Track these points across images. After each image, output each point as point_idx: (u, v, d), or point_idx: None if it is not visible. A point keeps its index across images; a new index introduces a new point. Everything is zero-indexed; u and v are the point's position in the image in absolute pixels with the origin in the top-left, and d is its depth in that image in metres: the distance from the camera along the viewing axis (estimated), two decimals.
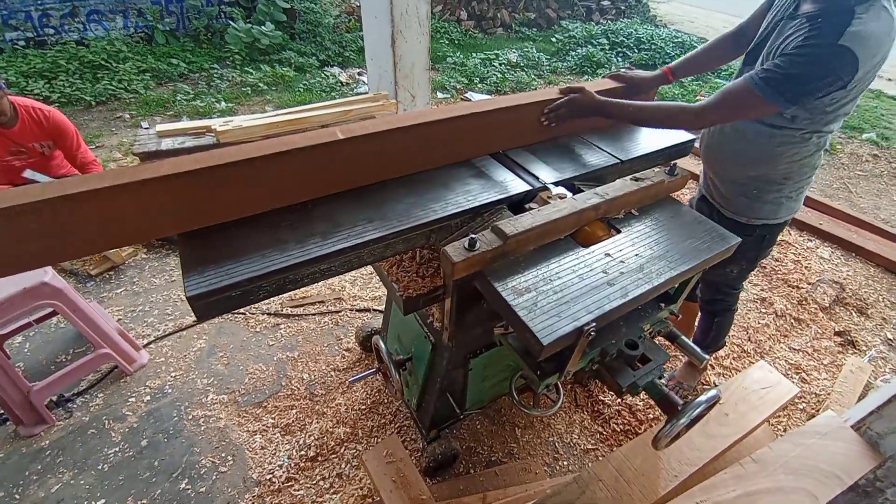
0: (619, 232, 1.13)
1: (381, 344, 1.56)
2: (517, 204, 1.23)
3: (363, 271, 2.56)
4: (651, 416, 1.87)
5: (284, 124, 2.87)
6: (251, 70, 5.21)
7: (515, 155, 1.41)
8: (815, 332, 2.37)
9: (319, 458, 1.69)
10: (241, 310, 2.27)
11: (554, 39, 6.85)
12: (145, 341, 2.10)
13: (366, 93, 5.02)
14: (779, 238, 1.72)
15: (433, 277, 1.28)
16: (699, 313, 1.85)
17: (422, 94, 3.31)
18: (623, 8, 8.21)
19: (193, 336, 2.15)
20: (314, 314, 2.28)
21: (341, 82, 5.34)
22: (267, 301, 2.33)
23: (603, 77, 1.61)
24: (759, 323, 2.39)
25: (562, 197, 1.20)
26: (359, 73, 5.66)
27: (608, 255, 1.05)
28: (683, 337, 1.18)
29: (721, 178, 1.48)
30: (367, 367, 2.02)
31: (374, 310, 2.32)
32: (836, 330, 2.38)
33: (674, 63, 1.58)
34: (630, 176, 1.20)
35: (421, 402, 1.67)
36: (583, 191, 1.22)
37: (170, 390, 1.91)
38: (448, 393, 1.55)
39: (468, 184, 1.25)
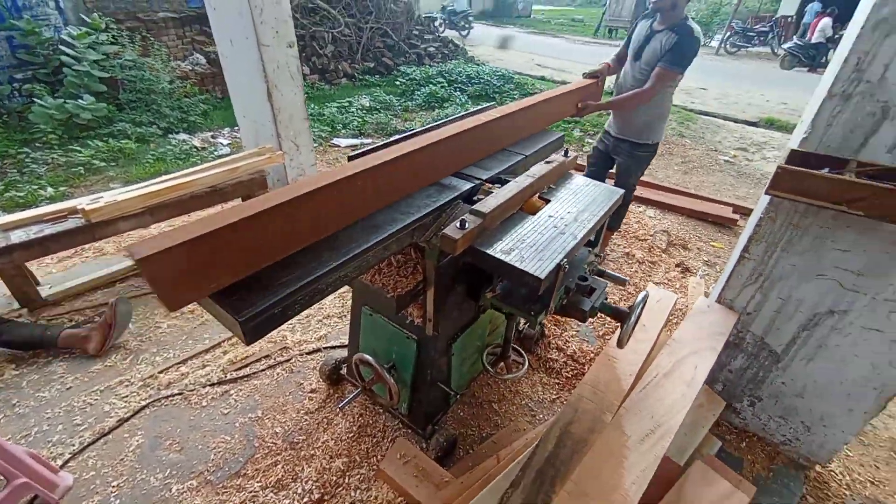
0: (549, 201, 1.50)
1: (367, 357, 1.65)
2: (467, 198, 1.52)
3: (299, 317, 2.53)
4: (588, 358, 2.30)
5: (168, 191, 2.69)
6: (78, 148, 4.57)
7: None
8: (665, 269, 3.16)
9: (326, 497, 1.66)
10: (176, 390, 2.05)
11: (397, 83, 7.56)
12: (61, 461, 1.75)
13: (229, 154, 4.86)
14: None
15: (413, 276, 1.48)
16: None
17: (304, 142, 3.42)
18: (447, 52, 9.48)
19: (124, 436, 1.87)
20: (264, 369, 2.18)
21: (196, 147, 5.04)
22: (203, 373, 2.15)
23: (583, 76, 2.51)
24: (631, 270, 3.09)
25: (495, 187, 1.53)
26: (212, 136, 5.42)
27: (551, 216, 1.40)
28: (608, 270, 1.60)
29: (633, 122, 2.60)
30: (338, 400, 2.04)
31: (325, 348, 2.33)
32: (675, 263, 3.22)
33: (607, 60, 2.69)
34: (542, 161, 1.59)
35: (412, 404, 1.79)
36: (507, 181, 1.57)
37: (117, 502, 1.64)
38: (438, 382, 1.72)
39: (426, 191, 1.49)
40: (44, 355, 2.22)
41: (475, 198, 1.51)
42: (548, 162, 1.58)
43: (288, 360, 2.25)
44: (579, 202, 1.50)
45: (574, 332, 2.49)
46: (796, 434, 1.83)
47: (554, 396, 2.11)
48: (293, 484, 1.70)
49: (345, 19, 7.98)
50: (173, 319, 2.50)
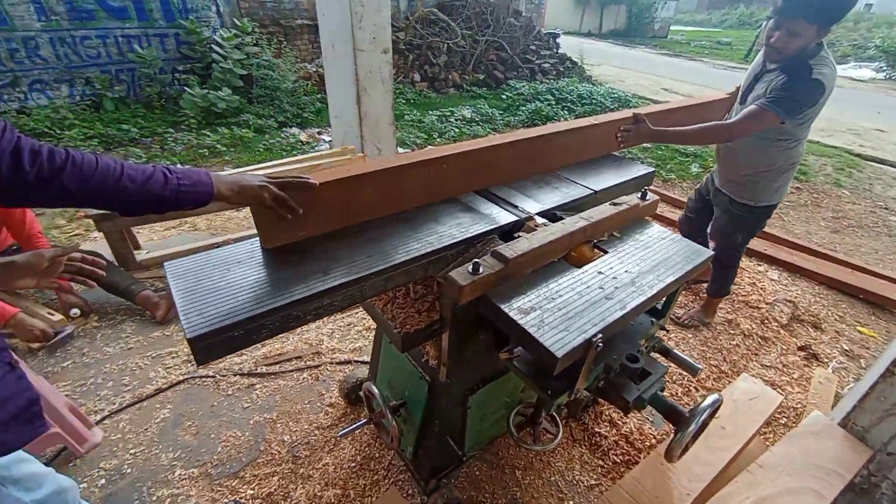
0: (605, 252, 1.22)
1: (374, 388, 1.51)
2: (506, 234, 1.30)
3: (341, 323, 2.50)
4: (648, 443, 1.89)
5: None
6: (208, 133, 5.24)
7: (497, 190, 1.51)
8: (780, 349, 2.53)
9: None
10: (211, 372, 2.14)
11: (504, 97, 7.46)
12: (98, 417, 1.90)
13: (327, 150, 5.18)
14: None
15: (429, 312, 1.30)
16: (711, 267, 2.44)
17: (387, 147, 3.46)
18: (562, 70, 9.14)
19: (156, 406, 1.98)
20: (291, 371, 2.18)
21: (301, 141, 5.47)
22: (238, 361, 2.21)
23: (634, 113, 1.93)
24: (730, 344, 2.53)
25: (546, 225, 1.29)
26: (318, 133, 5.84)
27: (601, 272, 1.13)
28: (676, 351, 1.25)
29: (734, 175, 2.14)
30: (353, 420, 1.93)
31: (356, 361, 2.25)
32: (799, 345, 2.57)
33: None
34: (609, 202, 1.31)
35: (418, 450, 1.61)
36: (563, 219, 1.32)
37: (129, 470, 1.72)
38: (448, 436, 1.51)
39: (458, 217, 1.31)
40: (123, 311, 2.48)
41: (517, 234, 1.29)
42: (615, 203, 1.29)
43: (317, 367, 2.21)
44: (646, 260, 1.19)
45: None
46: None
47: (593, 482, 1.75)
48: (282, 503, 1.63)
49: (462, 31, 8.12)
50: None
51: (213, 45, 5.90)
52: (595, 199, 1.54)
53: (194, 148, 5.00)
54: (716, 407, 1.05)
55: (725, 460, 1.30)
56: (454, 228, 1.24)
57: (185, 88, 5.69)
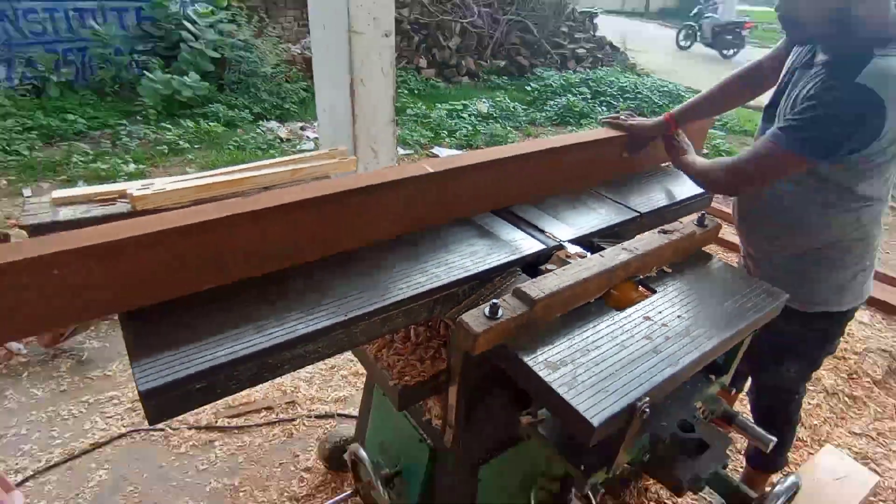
0: (654, 292, 1.22)
1: (362, 453, 1.51)
2: (531, 266, 1.31)
3: (322, 366, 2.51)
4: None
5: (220, 186, 2.93)
6: (169, 126, 5.37)
7: (520, 210, 1.52)
8: (874, 412, 2.49)
9: None
10: (160, 425, 2.14)
11: (528, 88, 7.58)
12: (20, 477, 1.91)
13: (313, 149, 5.27)
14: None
15: (433, 361, 1.31)
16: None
17: (385, 149, 3.51)
18: (600, 56, 9.29)
19: (91, 465, 1.98)
20: (260, 425, 2.18)
21: (280, 138, 5.58)
22: (195, 411, 2.21)
23: (601, 121, 1.79)
24: (809, 404, 2.49)
25: (581, 256, 1.30)
26: (301, 128, 5.96)
27: (648, 318, 1.13)
28: (742, 416, 1.23)
29: (764, 253, 1.56)
30: (335, 491, 1.92)
31: (340, 415, 2.25)
32: None
33: (677, 108, 1.69)
34: (657, 229, 1.32)
35: None
36: (602, 248, 1.33)
37: None
38: None
39: (472, 244, 1.33)
40: (57, 342, 2.51)
41: (544, 267, 1.30)
42: (665, 231, 1.30)
43: (292, 420, 2.22)
44: (703, 302, 1.19)
45: None
46: None
47: None
48: None
49: (480, 8, 8.31)
50: None
51: (185, 22, 6.07)
52: (640, 223, 1.55)
53: (151, 145, 5.12)
54: (793, 492, 1.03)
55: None
56: (467, 258, 1.26)
57: (145, 72, 5.85)
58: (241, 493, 1.91)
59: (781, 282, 1.37)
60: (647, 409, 0.93)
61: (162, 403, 0.88)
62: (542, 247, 1.34)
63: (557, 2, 9.26)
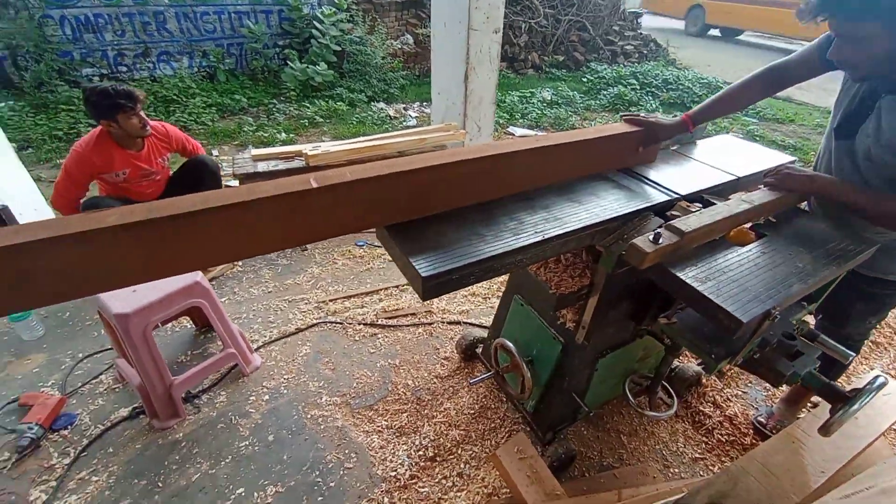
0: (765, 236, 1.26)
1: (509, 344, 1.65)
2: (660, 212, 1.37)
3: None
4: (748, 428, 1.92)
5: (367, 150, 3.09)
6: (307, 105, 5.56)
7: (640, 170, 1.56)
8: (894, 356, 2.42)
9: (438, 459, 1.75)
10: (339, 319, 2.39)
11: (584, 80, 7.23)
12: (255, 345, 2.21)
13: (415, 125, 5.34)
14: None
15: (580, 278, 1.41)
16: None
17: (487, 125, 3.54)
18: (645, 52, 8.67)
19: (298, 343, 2.26)
20: (408, 325, 2.38)
21: (390, 116, 5.66)
22: (361, 312, 2.45)
23: (621, 117, 1.56)
24: None
25: (694, 208, 1.34)
26: (404, 108, 6.01)
27: (764, 253, 1.17)
28: (824, 335, 1.28)
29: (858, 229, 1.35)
30: (467, 375, 2.11)
31: (464, 322, 2.42)
32: None
33: (694, 110, 1.51)
34: (764, 185, 1.33)
35: (539, 405, 1.75)
36: (712, 203, 1.36)
37: (285, 391, 2.00)
38: (574, 392, 1.63)
39: (614, 194, 1.39)
40: (259, 258, 2.80)
41: (669, 213, 1.35)
42: (773, 188, 1.31)
43: (430, 324, 2.40)
44: (806, 244, 1.22)
45: (739, 392, 2.10)
46: None
47: (697, 455, 1.82)
48: (413, 435, 1.84)
49: (544, 10, 7.89)
50: (346, 259, 2.89)
51: (314, 22, 6.16)
52: (735, 185, 1.56)
53: (295, 119, 5.34)
54: (881, 386, 1.08)
55: (859, 448, 1.33)
56: (614, 203, 1.33)
57: (286, 62, 6.03)
58: (401, 370, 2.13)
59: (874, 259, 1.30)
60: (778, 316, 1.00)
61: (429, 287, 1.03)
62: (667, 198, 1.38)
63: (613, 3, 8.61)
